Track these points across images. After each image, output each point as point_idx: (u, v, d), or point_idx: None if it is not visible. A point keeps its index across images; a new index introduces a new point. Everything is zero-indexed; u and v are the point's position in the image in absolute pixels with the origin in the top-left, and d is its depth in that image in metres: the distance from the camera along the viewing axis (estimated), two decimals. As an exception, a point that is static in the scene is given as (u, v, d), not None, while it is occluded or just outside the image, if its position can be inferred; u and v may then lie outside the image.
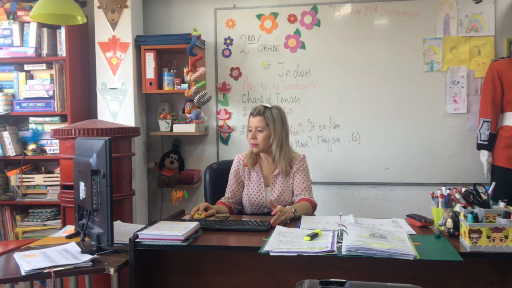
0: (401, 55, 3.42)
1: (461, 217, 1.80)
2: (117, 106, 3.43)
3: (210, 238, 1.94)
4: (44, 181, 3.33)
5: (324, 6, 3.49)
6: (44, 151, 3.41)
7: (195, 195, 3.71)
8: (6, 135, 3.36)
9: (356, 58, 3.47)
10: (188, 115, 3.48)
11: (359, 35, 3.46)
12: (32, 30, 3.36)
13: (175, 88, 3.48)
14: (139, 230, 1.90)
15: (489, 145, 3.13)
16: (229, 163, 2.71)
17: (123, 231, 2.15)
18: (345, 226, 1.91)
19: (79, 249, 1.92)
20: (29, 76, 3.43)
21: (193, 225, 1.96)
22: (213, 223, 2.11)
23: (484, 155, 3.17)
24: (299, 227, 2.08)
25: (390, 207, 3.47)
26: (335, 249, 1.72)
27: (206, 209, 2.32)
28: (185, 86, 3.46)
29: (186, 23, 3.64)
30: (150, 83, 3.48)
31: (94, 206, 1.90)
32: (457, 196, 1.95)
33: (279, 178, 2.51)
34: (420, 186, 3.44)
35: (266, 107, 2.49)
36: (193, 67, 3.37)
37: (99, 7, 3.38)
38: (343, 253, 1.68)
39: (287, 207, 2.23)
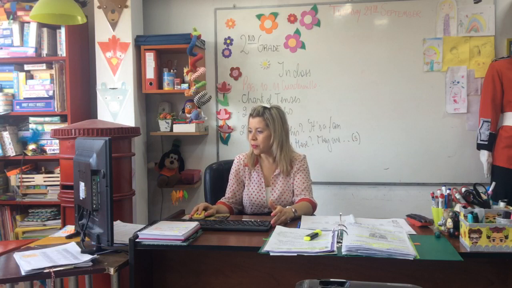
0: (401, 55, 3.42)
1: (461, 217, 1.80)
2: (117, 106, 3.43)
3: (210, 238, 1.94)
4: (44, 181, 3.33)
5: (324, 6, 3.49)
6: (44, 151, 3.41)
7: (195, 195, 3.71)
8: (6, 135, 3.36)
9: (356, 58, 3.47)
10: (188, 115, 3.48)
11: (359, 35, 3.46)
12: (32, 30, 3.36)
13: (175, 88, 3.48)
14: (139, 230, 1.90)
15: (489, 145, 3.13)
16: (229, 163, 2.71)
17: (123, 231, 2.15)
18: (345, 226, 1.91)
19: (79, 249, 1.92)
20: (29, 76, 3.43)
21: (193, 225, 1.96)
22: (213, 223, 2.11)
23: (484, 155, 3.17)
24: (299, 227, 2.08)
25: (390, 207, 3.47)
26: (335, 249, 1.72)
27: (205, 209, 2.32)
28: (185, 86, 3.46)
29: (186, 23, 3.64)
30: (150, 83, 3.48)
31: (94, 206, 1.90)
32: (457, 196, 1.94)
33: (280, 178, 2.51)
34: (420, 186, 3.44)
35: (265, 108, 2.49)
36: (193, 67, 3.37)
37: (99, 7, 3.38)
38: (343, 253, 1.68)
39: (287, 207, 2.23)
